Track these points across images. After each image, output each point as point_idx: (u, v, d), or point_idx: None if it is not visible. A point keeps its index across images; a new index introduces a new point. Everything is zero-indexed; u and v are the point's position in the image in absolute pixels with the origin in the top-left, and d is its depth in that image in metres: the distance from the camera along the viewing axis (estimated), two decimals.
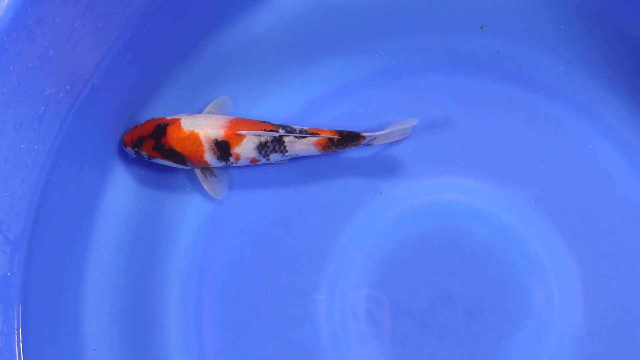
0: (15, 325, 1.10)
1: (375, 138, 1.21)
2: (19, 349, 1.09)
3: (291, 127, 1.19)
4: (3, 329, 1.07)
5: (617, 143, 1.24)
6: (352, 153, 1.25)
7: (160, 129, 1.18)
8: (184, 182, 1.25)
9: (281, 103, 1.26)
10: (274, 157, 1.20)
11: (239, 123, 1.19)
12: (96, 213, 1.22)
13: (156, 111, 1.24)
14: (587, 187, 1.23)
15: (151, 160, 1.20)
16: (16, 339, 1.10)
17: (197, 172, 1.21)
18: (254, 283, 1.24)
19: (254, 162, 1.20)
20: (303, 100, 1.26)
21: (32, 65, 1.04)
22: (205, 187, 1.22)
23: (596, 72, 1.24)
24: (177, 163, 1.19)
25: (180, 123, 1.18)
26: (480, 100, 1.25)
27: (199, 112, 1.23)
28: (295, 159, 1.23)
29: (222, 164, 1.20)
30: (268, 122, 1.20)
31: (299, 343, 1.22)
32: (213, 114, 1.22)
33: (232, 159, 1.19)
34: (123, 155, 1.23)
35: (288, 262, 1.24)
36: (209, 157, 1.18)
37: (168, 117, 1.19)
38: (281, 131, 1.18)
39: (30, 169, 1.11)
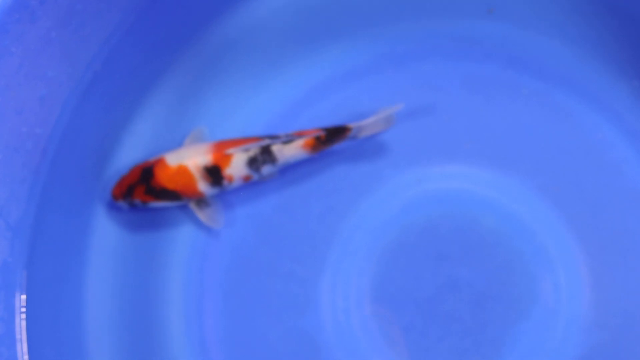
0: (16, 312, 1.09)
1: (361, 129, 1.19)
2: (20, 337, 1.08)
3: (275, 135, 1.18)
4: (3, 316, 1.07)
5: (626, 133, 1.23)
6: (356, 140, 1.24)
7: (147, 172, 1.16)
8: None
9: (285, 89, 1.25)
10: (266, 169, 1.18)
11: (223, 144, 1.17)
12: (98, 199, 1.21)
13: (157, 96, 1.23)
14: (595, 177, 1.22)
15: (147, 206, 1.18)
16: (17, 326, 1.09)
17: (191, 205, 1.20)
18: (256, 270, 1.23)
19: (247, 180, 1.19)
20: (307, 86, 1.25)
21: (34, 47, 1.03)
22: (202, 218, 1.20)
23: (606, 60, 1.23)
24: (172, 201, 1.17)
25: (165, 161, 1.16)
26: (487, 87, 1.24)
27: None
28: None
29: (216, 190, 1.18)
30: (251, 137, 1.18)
31: (302, 331, 1.22)
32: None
33: (225, 182, 1.17)
34: (125, 142, 1.22)
35: (291, 249, 1.23)
36: (203, 186, 1.17)
37: (151, 159, 1.18)
38: (267, 140, 1.16)
39: (32, 154, 1.10)
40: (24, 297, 1.11)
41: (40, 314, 1.14)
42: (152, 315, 1.21)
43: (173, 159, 1.16)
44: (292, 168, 1.23)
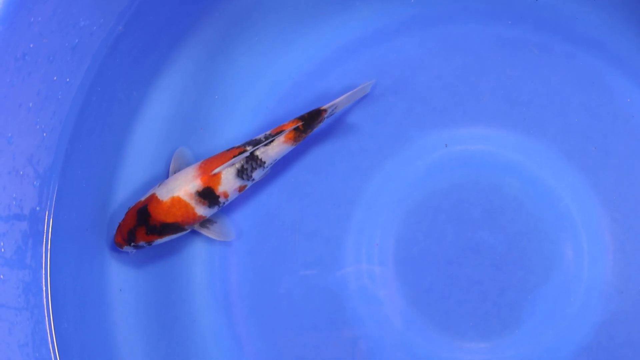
0: (43, 260, 1.09)
1: (335, 106, 1.18)
2: (46, 285, 1.09)
3: (255, 139, 1.17)
4: (31, 264, 1.07)
5: None
6: (383, 100, 1.23)
7: (143, 213, 1.14)
8: None
9: (314, 48, 1.24)
10: (257, 174, 1.17)
11: (208, 165, 1.15)
12: (124, 152, 1.21)
13: (186, 52, 1.22)
14: (622, 142, 1.22)
15: (153, 244, 1.17)
16: (43, 274, 1.09)
17: (197, 228, 1.19)
18: (281, 228, 1.23)
19: (242, 190, 1.18)
20: (336, 45, 1.25)
21: None
22: (212, 236, 1.19)
23: (636, 24, 1.22)
24: (177, 232, 1.16)
25: (157, 196, 1.14)
26: (516, 50, 1.23)
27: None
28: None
29: (215, 209, 1.17)
30: (232, 148, 1.17)
31: (325, 289, 1.22)
32: (177, 170, 1.19)
33: (221, 200, 1.16)
34: (153, 96, 1.22)
35: (316, 208, 1.23)
36: (201, 210, 1.15)
37: (142, 199, 1.16)
38: (249, 148, 1.15)
39: (62, 103, 1.09)
40: (50, 246, 1.11)
41: (65, 264, 1.14)
42: (177, 269, 1.22)
43: (164, 193, 1.14)
44: (319, 127, 1.23)
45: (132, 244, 1.15)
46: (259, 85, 1.24)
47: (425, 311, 1.21)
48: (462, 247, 1.21)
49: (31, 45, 0.99)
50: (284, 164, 1.23)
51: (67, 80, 1.09)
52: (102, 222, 1.20)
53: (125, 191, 1.21)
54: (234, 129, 1.23)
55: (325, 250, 1.22)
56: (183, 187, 1.14)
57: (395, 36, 1.24)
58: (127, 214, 1.16)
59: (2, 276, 1.01)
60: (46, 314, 1.09)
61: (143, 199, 1.16)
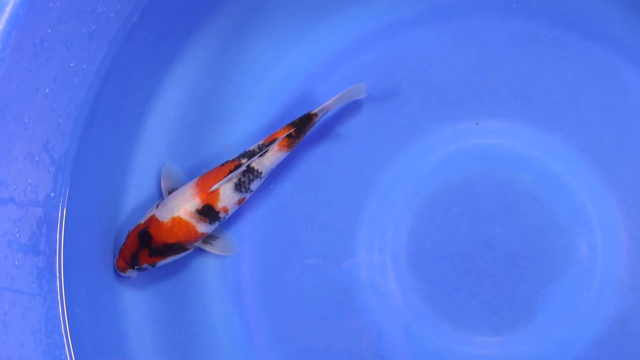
0: (57, 247, 1.09)
1: (326, 109, 1.17)
2: (59, 271, 1.09)
3: (249, 151, 1.16)
4: (45, 250, 1.07)
5: None
6: (398, 93, 1.23)
7: (144, 235, 1.14)
8: None
9: (329, 39, 1.24)
10: (254, 185, 1.17)
11: (205, 181, 1.14)
12: (138, 139, 1.21)
13: (201, 40, 1.22)
14: (638, 138, 1.21)
15: (156, 266, 1.16)
16: (57, 260, 1.09)
17: (200, 245, 1.18)
18: (294, 218, 1.23)
19: (241, 202, 1.17)
20: (351, 36, 1.24)
21: None
22: (216, 252, 1.19)
23: None
24: (180, 252, 1.16)
25: (156, 218, 1.14)
26: (532, 44, 1.23)
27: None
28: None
29: (216, 225, 1.16)
30: (227, 162, 1.16)
31: (336, 280, 1.22)
32: (170, 187, 1.18)
33: (222, 215, 1.16)
34: (167, 83, 1.21)
35: (328, 198, 1.23)
36: (203, 228, 1.15)
37: (142, 221, 1.15)
38: (244, 161, 1.14)
39: (78, 89, 1.09)
40: (63, 232, 1.11)
41: (77, 251, 1.14)
42: (189, 257, 1.21)
43: (163, 214, 1.14)
44: (332, 118, 1.22)
45: (136, 267, 1.15)
46: (273, 75, 1.24)
47: (437, 304, 1.21)
48: (475, 241, 1.21)
49: (49, 31, 0.99)
50: (297, 155, 1.22)
51: (84, 66, 1.09)
52: (115, 210, 1.19)
53: (138, 179, 1.21)
54: (248, 118, 1.23)
55: (337, 241, 1.22)
56: (182, 206, 1.13)
57: (410, 29, 1.24)
58: (127, 237, 1.16)
59: (16, 262, 1.01)
60: (59, 300, 1.09)
61: (142, 221, 1.15)
